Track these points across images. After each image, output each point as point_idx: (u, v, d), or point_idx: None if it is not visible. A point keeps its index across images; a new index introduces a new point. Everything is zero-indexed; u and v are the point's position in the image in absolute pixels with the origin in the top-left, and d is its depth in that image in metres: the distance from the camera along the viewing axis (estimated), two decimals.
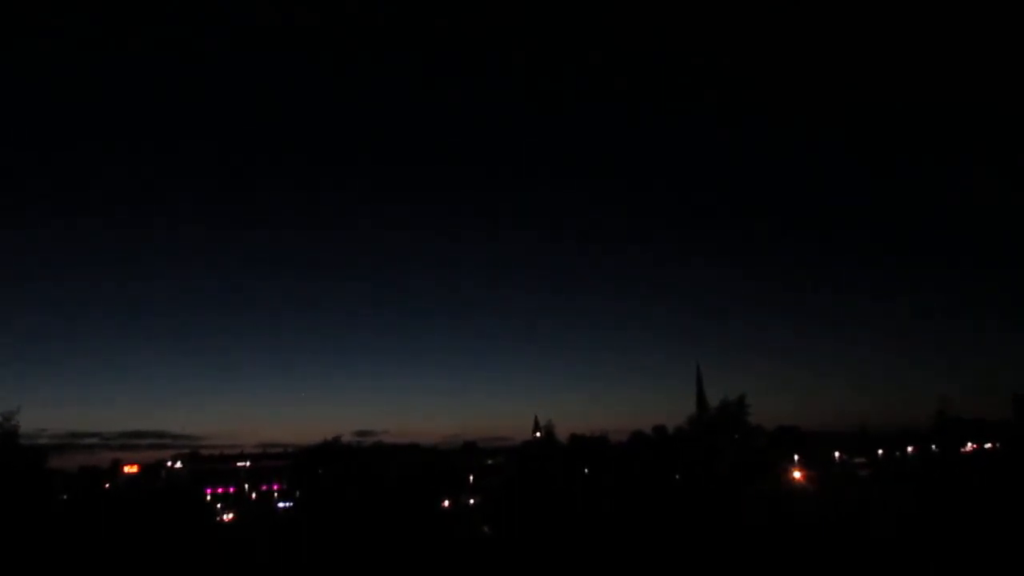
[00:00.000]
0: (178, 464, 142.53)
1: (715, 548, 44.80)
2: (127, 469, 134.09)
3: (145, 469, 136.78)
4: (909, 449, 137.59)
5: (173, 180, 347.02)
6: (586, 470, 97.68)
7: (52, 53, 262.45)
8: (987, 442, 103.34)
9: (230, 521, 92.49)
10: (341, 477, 78.41)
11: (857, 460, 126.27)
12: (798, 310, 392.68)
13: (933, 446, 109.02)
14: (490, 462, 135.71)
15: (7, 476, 53.48)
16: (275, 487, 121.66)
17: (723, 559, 42.95)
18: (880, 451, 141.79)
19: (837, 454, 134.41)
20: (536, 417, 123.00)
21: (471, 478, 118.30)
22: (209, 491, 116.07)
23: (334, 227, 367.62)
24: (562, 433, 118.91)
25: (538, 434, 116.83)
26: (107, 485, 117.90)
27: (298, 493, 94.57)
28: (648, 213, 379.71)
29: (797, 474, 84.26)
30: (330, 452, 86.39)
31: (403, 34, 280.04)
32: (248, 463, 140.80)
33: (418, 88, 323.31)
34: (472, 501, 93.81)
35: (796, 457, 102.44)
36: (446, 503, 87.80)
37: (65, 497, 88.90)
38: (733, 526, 48.96)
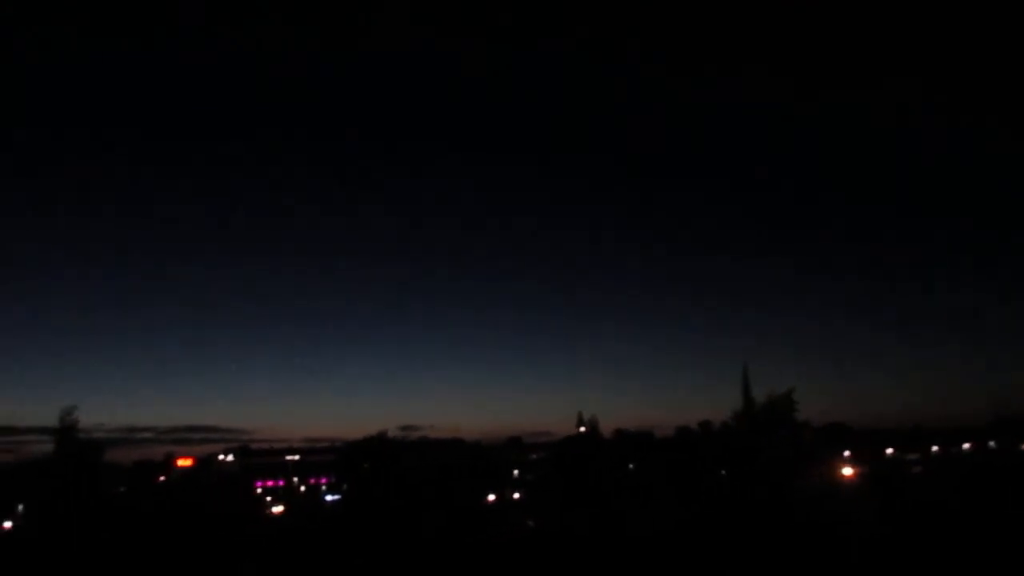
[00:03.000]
0: (229, 458, 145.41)
1: (762, 545, 44.31)
2: (180, 462, 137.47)
3: (197, 462, 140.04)
4: (965, 446, 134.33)
5: (218, 173, 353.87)
6: (631, 465, 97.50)
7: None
8: None
9: (279, 514, 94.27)
10: (387, 471, 79.36)
11: (910, 457, 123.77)
12: (848, 306, 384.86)
13: (991, 443, 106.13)
14: (534, 457, 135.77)
15: (67, 469, 55.39)
16: (323, 481, 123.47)
17: (771, 556, 42.44)
18: (934, 448, 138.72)
19: (889, 450, 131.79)
20: (580, 412, 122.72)
21: (515, 473, 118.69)
22: (259, 484, 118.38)
23: (383, 221, 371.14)
24: (606, 428, 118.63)
25: (582, 429, 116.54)
26: (161, 478, 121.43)
27: (345, 487, 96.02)
28: (694, 209, 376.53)
29: (847, 470, 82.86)
30: (376, 446, 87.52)
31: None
32: (296, 457, 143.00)
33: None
34: (517, 495, 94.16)
35: (846, 453, 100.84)
36: (491, 497, 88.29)
37: (122, 489, 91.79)
38: (781, 522, 48.37)
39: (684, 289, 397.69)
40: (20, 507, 71.65)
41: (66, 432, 55.46)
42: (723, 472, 73.08)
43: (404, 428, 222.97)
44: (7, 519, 74.45)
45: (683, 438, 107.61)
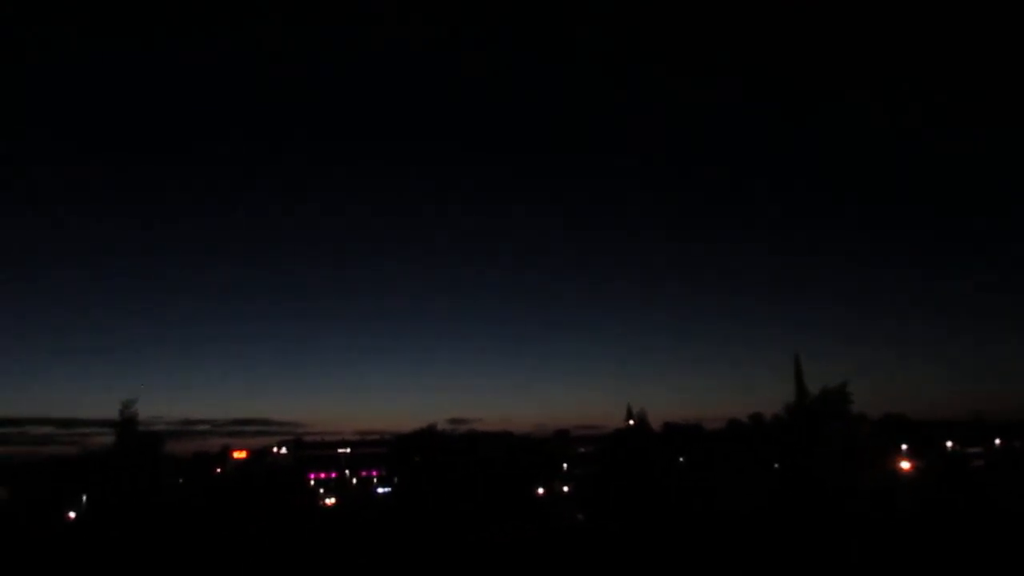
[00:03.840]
0: (283, 450, 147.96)
1: (817, 538, 43.42)
2: (236, 455, 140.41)
3: (252, 455, 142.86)
4: None
5: (267, 169, 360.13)
6: (681, 458, 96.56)
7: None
8: None
9: (332, 505, 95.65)
10: (437, 464, 79.97)
11: (972, 450, 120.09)
12: (904, 294, 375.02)
13: None
14: (583, 450, 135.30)
15: (128, 461, 57.03)
16: (374, 473, 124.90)
17: (825, 550, 41.55)
18: (997, 441, 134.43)
19: (950, 444, 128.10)
20: (629, 405, 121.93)
21: (564, 466, 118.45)
22: (312, 476, 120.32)
23: (434, 217, 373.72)
24: (655, 421, 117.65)
25: (631, 422, 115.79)
26: (218, 470, 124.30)
27: (396, 479, 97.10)
28: (744, 199, 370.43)
29: (905, 464, 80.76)
30: (425, 439, 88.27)
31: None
32: (348, 450, 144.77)
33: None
34: (566, 489, 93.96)
35: (904, 446, 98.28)
36: (540, 490, 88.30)
37: (180, 481, 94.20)
38: (835, 516, 47.36)
39: (734, 280, 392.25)
40: (84, 498, 73.76)
41: (127, 425, 57.11)
42: (776, 465, 71.95)
43: (453, 421, 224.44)
44: (71, 510, 76.73)
45: (734, 431, 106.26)
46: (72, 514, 76.17)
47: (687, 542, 45.13)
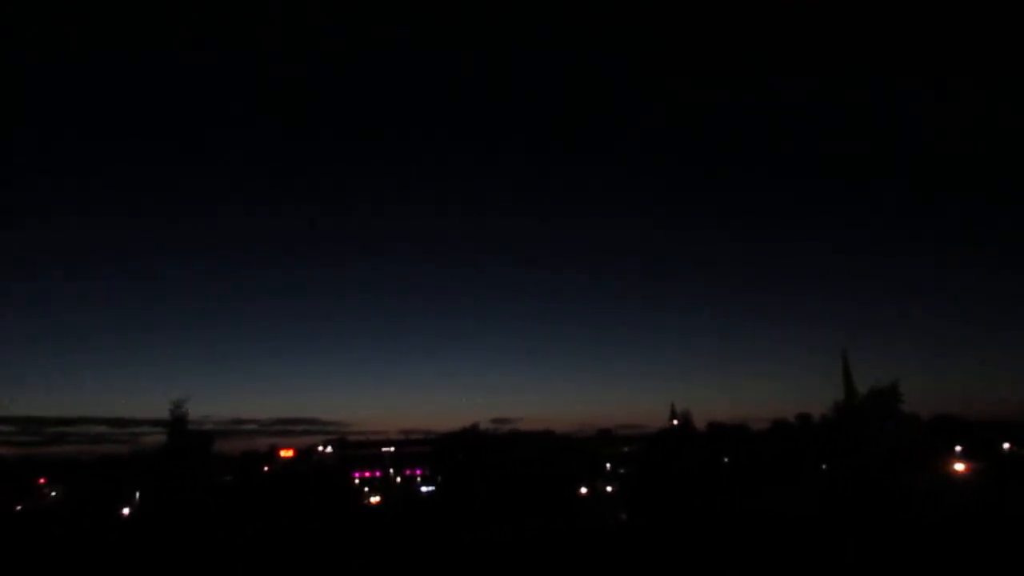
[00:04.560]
0: (328, 449, 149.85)
1: (865, 543, 42.44)
2: (283, 453, 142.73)
3: (299, 454, 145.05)
4: None
5: (309, 171, 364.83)
6: (725, 459, 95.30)
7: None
8: None
9: (376, 504, 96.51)
10: (480, 463, 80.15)
11: None
12: (955, 293, 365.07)
13: None
14: (626, 449, 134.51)
15: (179, 459, 58.28)
16: (418, 472, 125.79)
17: (873, 555, 40.55)
18: None
19: (1007, 445, 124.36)
20: (673, 404, 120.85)
21: (607, 466, 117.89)
22: (357, 475, 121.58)
23: (479, 217, 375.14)
24: (700, 421, 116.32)
25: (675, 422, 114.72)
26: (266, 468, 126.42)
27: (439, 478, 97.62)
28: (790, 197, 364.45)
29: (959, 465, 78.68)
30: (468, 438, 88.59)
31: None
32: (392, 449, 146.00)
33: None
34: (609, 488, 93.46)
35: (958, 448, 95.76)
36: (583, 490, 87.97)
37: (229, 479, 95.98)
38: (884, 520, 46.27)
39: (781, 279, 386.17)
40: (137, 495, 75.56)
41: (177, 424, 58.35)
42: (824, 466, 70.68)
43: (496, 421, 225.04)
44: (125, 506, 78.66)
45: (780, 431, 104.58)
46: (125, 511, 78.06)
47: (731, 544, 44.51)
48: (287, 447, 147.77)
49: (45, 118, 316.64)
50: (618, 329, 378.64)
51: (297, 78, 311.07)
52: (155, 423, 66.76)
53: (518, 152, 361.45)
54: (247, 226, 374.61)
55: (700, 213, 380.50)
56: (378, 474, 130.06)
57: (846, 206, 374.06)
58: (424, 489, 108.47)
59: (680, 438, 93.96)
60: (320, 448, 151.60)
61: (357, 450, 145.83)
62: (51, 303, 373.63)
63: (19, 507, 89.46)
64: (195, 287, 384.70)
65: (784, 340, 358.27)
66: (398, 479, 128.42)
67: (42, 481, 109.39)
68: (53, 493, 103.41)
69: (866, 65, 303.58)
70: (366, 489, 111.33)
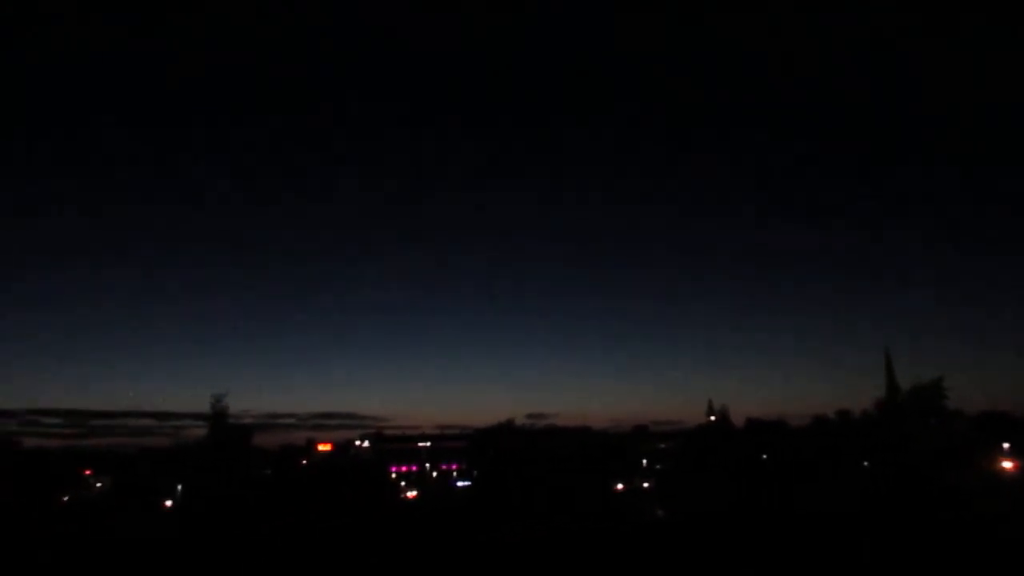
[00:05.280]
0: (365, 443, 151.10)
1: (906, 542, 41.47)
2: (320, 447, 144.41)
3: (336, 448, 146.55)
4: None
5: (343, 165, 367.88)
6: (764, 455, 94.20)
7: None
8: None
9: (413, 498, 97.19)
10: (515, 458, 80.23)
11: None
12: (1001, 286, 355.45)
13: None
14: (662, 446, 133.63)
15: (219, 452, 59.29)
16: (454, 467, 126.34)
17: (914, 555, 39.49)
18: None
19: None
20: (710, 400, 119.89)
21: (644, 462, 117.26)
22: (394, 469, 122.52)
23: (510, 214, 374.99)
24: (737, 417, 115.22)
25: (712, 418, 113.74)
26: (304, 462, 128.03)
27: (475, 473, 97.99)
28: (829, 192, 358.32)
29: (1007, 463, 76.84)
30: (504, 434, 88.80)
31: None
32: (428, 443, 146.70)
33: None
34: (645, 485, 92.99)
35: (1005, 445, 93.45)
36: (619, 486, 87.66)
37: (268, 472, 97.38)
38: (933, 519, 45.22)
39: (820, 272, 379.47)
40: (179, 487, 76.98)
41: (218, 418, 59.34)
42: (866, 464, 69.51)
43: (531, 416, 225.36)
44: (168, 498, 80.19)
45: (820, 427, 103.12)
46: (168, 502, 79.57)
47: (770, 543, 43.91)
48: (325, 441, 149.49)
49: (80, 108, 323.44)
50: (655, 324, 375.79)
51: (332, 62, 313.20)
52: (196, 417, 68.10)
53: (550, 146, 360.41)
54: (287, 222, 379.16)
55: (740, 207, 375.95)
56: (414, 468, 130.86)
57: (889, 198, 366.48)
58: (460, 484, 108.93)
59: (718, 434, 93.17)
60: (357, 442, 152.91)
61: (394, 444, 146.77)
62: (97, 298, 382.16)
63: (66, 498, 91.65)
64: (236, 283, 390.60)
65: (824, 335, 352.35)
66: (434, 474, 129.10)
67: (88, 472, 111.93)
68: (99, 484, 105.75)
69: (916, 47, 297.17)
70: (403, 483, 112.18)
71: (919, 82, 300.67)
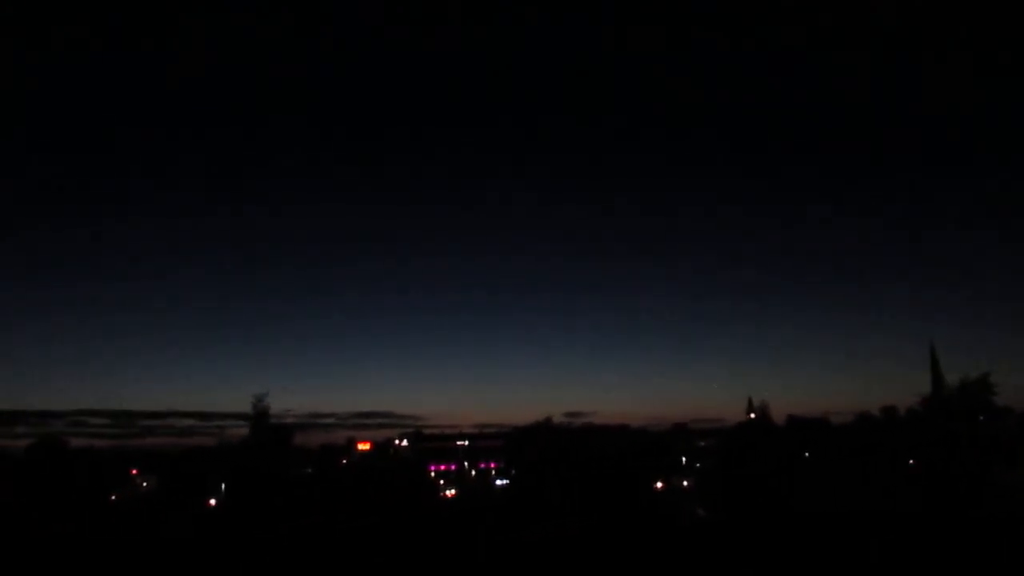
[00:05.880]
0: (404, 442, 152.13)
1: (952, 542, 40.41)
2: (360, 446, 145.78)
3: (375, 447, 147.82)
4: None
5: (381, 166, 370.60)
6: (806, 453, 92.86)
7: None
8: None
9: (452, 497, 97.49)
10: (553, 457, 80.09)
11: None
12: None
13: None
14: (702, 444, 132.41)
15: (262, 451, 60.26)
16: (492, 465, 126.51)
17: (959, 555, 38.42)
18: None
19: None
20: (750, 398, 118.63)
21: (684, 460, 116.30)
22: (432, 468, 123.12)
23: (552, 211, 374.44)
24: (778, 414, 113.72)
25: (752, 415, 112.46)
26: (344, 461, 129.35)
27: (513, 472, 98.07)
28: (872, 185, 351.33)
29: None
30: (542, 432, 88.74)
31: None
32: (467, 442, 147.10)
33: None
34: (685, 483, 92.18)
35: None
36: (659, 484, 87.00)
37: (309, 471, 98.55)
38: (974, 517, 44.06)
39: (861, 266, 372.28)
40: (223, 486, 78.22)
41: (259, 417, 60.43)
42: (911, 461, 68.09)
43: (569, 414, 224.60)
44: (212, 496, 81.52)
45: (864, 425, 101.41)
46: (212, 501, 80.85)
47: (814, 543, 43.19)
48: (364, 440, 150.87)
49: (114, 111, 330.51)
50: (694, 322, 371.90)
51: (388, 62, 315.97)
52: (239, 416, 69.30)
53: (582, 146, 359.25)
54: (328, 222, 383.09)
55: (778, 200, 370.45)
56: (453, 467, 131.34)
57: (931, 192, 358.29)
58: (499, 482, 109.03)
59: (758, 431, 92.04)
60: (396, 441, 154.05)
61: (432, 443, 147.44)
62: (142, 301, 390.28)
63: (114, 496, 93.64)
64: (277, 285, 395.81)
65: (867, 330, 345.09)
66: (473, 472, 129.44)
67: (135, 472, 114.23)
68: (145, 483, 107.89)
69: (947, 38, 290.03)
70: (441, 482, 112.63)
71: (960, 77, 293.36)
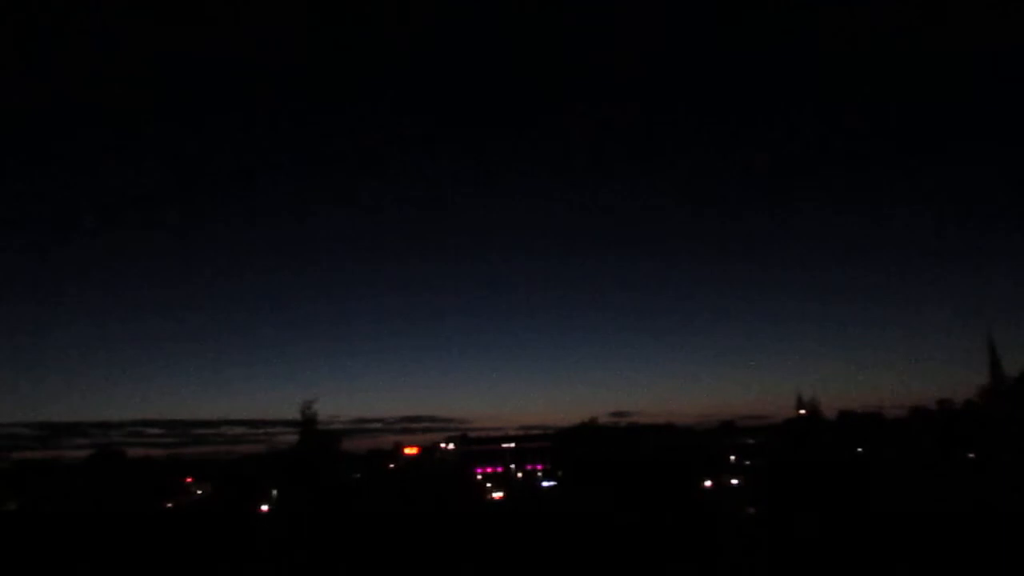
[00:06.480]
0: (450, 446, 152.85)
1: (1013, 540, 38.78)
2: (407, 450, 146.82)
3: (422, 451, 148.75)
4: None
5: (428, 167, 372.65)
6: (859, 448, 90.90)
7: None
8: None
9: (499, 499, 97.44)
10: (599, 458, 79.64)
11: None
12: None
13: None
14: (750, 441, 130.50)
15: (311, 457, 60.75)
16: (538, 467, 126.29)
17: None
18: None
19: None
20: (799, 394, 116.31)
21: (732, 458, 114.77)
22: (479, 470, 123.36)
23: (597, 215, 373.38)
24: (829, 410, 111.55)
25: (802, 411, 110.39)
26: (391, 465, 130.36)
27: (559, 473, 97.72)
28: (923, 173, 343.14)
29: None
30: (587, 433, 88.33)
31: None
32: (512, 444, 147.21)
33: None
34: (735, 481, 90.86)
35: None
36: (707, 483, 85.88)
37: (358, 476, 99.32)
38: None
39: (914, 254, 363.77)
40: (274, 492, 79.08)
41: (307, 424, 60.82)
42: (971, 456, 66.15)
43: (614, 414, 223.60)
44: (264, 503, 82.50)
45: (920, 418, 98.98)
46: (264, 507, 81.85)
47: (870, 545, 42.07)
48: (411, 444, 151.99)
49: (177, 117, 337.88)
50: (739, 318, 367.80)
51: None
52: (288, 423, 70.18)
53: (624, 140, 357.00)
54: (375, 230, 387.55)
55: (830, 194, 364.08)
56: (499, 469, 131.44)
57: (986, 181, 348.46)
58: (545, 484, 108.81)
59: (808, 428, 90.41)
60: (443, 445, 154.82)
61: (478, 446, 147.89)
62: (194, 312, 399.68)
63: (169, 504, 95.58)
64: (324, 294, 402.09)
65: (921, 321, 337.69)
66: (519, 474, 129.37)
67: (188, 480, 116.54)
68: (199, 491, 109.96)
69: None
70: (488, 484, 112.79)
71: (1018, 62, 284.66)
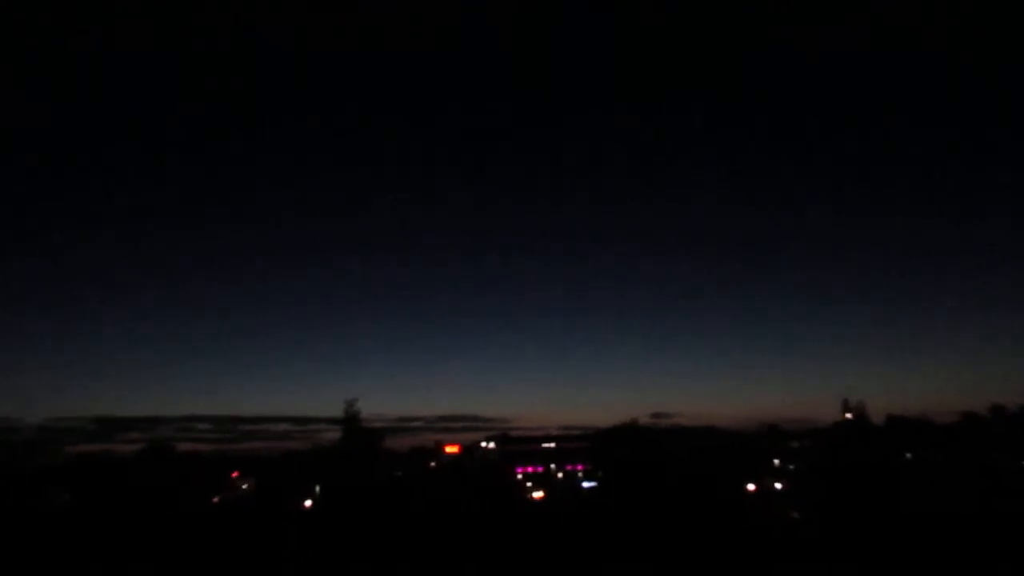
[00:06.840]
0: (491, 445, 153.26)
1: None
2: (448, 449, 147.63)
3: (463, 449, 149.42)
4: None
5: (465, 165, 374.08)
6: (908, 454, 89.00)
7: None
8: None
9: (539, 499, 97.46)
10: (640, 459, 79.22)
11: None
12: None
13: None
14: (795, 445, 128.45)
15: (353, 453, 61.75)
16: (579, 468, 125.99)
17: None
18: None
19: None
20: (845, 397, 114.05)
21: (776, 462, 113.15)
22: (519, 470, 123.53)
23: (635, 216, 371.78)
24: (876, 414, 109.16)
25: (848, 415, 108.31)
26: (432, 464, 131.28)
27: (600, 474, 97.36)
28: (972, 177, 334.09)
29: None
30: (628, 434, 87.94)
31: None
32: (553, 444, 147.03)
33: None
34: (779, 485, 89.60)
35: None
36: (751, 487, 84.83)
37: (399, 474, 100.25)
38: None
39: (962, 256, 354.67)
40: (317, 488, 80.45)
41: (351, 422, 61.94)
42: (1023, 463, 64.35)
43: (655, 415, 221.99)
44: (307, 499, 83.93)
45: (971, 424, 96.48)
46: (308, 503, 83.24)
47: (919, 552, 41.23)
48: (451, 443, 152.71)
49: (194, 115, 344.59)
50: (784, 321, 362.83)
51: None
52: (331, 421, 71.30)
53: (671, 147, 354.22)
54: (417, 230, 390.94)
55: (873, 199, 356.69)
56: (539, 469, 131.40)
57: None
58: (585, 485, 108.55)
59: (855, 432, 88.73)
60: (483, 444, 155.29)
61: (518, 445, 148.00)
62: (244, 312, 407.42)
63: (216, 499, 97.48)
64: (369, 295, 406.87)
65: (971, 324, 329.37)
66: (559, 474, 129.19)
67: (235, 475, 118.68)
68: (245, 486, 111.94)
69: None
70: (528, 484, 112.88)
71: None
